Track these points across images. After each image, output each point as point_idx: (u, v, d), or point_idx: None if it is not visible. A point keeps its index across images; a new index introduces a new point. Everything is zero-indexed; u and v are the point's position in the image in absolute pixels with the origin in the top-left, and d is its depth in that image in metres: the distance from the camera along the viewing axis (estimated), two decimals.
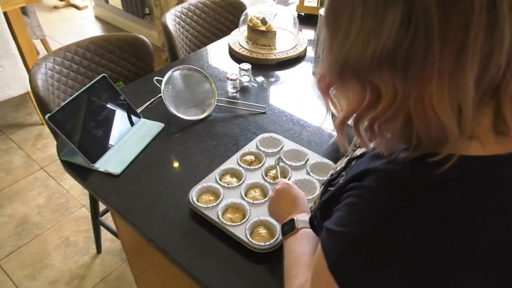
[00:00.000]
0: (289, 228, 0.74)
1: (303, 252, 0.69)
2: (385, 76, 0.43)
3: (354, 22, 0.42)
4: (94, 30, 3.86)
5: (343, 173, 0.64)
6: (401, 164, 0.47)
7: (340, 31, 0.44)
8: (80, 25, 3.88)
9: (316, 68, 1.22)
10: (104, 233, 1.90)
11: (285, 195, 0.82)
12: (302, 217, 0.75)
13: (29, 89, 2.44)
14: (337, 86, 0.50)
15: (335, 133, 1.17)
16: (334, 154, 1.11)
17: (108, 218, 1.91)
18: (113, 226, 1.67)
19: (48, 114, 1.01)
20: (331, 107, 0.55)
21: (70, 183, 2.23)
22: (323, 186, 0.67)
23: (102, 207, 1.73)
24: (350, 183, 0.52)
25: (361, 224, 0.47)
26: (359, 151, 0.64)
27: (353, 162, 0.63)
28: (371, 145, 0.50)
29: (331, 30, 0.47)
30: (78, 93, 1.09)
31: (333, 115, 1.07)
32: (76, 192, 2.18)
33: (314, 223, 0.66)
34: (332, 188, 0.60)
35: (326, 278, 0.49)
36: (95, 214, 1.68)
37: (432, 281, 0.43)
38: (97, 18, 4.01)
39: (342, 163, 0.68)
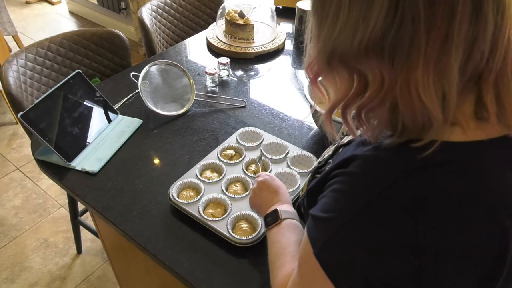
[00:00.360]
0: (272, 218, 0.74)
1: (288, 242, 0.69)
2: (372, 64, 0.43)
3: (342, 9, 0.43)
4: (69, 25, 3.76)
5: (330, 160, 0.64)
6: (385, 150, 0.48)
7: (328, 19, 0.45)
8: (54, 21, 3.78)
9: (303, 57, 1.23)
10: (84, 233, 1.87)
11: (267, 186, 0.82)
12: (285, 208, 0.75)
13: (1, 87, 2.36)
14: (325, 75, 0.50)
15: (315, 126, 1.17)
16: (315, 146, 1.11)
17: (88, 218, 1.88)
18: (93, 226, 1.64)
19: (21, 113, 0.98)
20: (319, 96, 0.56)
21: (47, 183, 2.18)
22: (310, 174, 0.68)
23: (81, 206, 1.70)
24: (335, 170, 0.53)
25: (345, 210, 0.48)
26: (346, 139, 0.65)
27: (340, 150, 0.64)
28: (358, 133, 0.51)
29: (318, 18, 0.47)
30: (52, 90, 1.06)
31: (315, 111, 1.08)
32: (54, 192, 2.13)
33: (302, 211, 0.67)
34: (318, 176, 0.61)
35: (312, 265, 0.49)
36: (74, 214, 1.65)
37: (419, 264, 0.44)
38: (72, 13, 3.90)
39: (329, 151, 0.68)
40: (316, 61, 0.49)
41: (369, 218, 0.46)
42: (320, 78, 0.51)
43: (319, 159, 0.70)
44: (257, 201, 0.83)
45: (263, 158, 1.03)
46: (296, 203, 0.74)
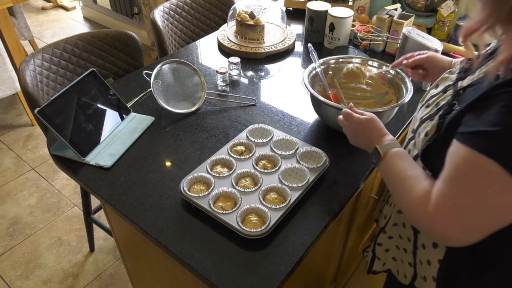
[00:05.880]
0: (376, 156, 0.81)
1: (402, 168, 0.75)
2: None
3: None
4: (83, 31, 3.81)
5: (455, 102, 0.71)
6: None
7: None
8: (69, 26, 3.86)
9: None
10: (97, 231, 1.90)
11: (361, 130, 0.89)
12: (384, 141, 0.82)
13: (18, 90, 2.42)
14: (499, 32, 0.60)
15: (323, 123, 1.18)
16: (324, 143, 1.12)
17: (101, 216, 1.91)
18: (105, 224, 1.67)
19: (37, 108, 1.01)
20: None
21: (61, 183, 2.22)
22: (437, 119, 0.73)
23: (94, 204, 1.73)
24: (481, 98, 0.62)
25: None
26: (464, 82, 0.72)
27: (461, 92, 0.71)
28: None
29: None
30: (67, 87, 1.09)
31: (318, 104, 1.09)
32: (68, 192, 2.17)
33: (430, 154, 0.73)
34: (448, 117, 0.69)
35: (485, 169, 0.58)
36: (87, 212, 1.68)
37: None
38: (86, 18, 3.99)
39: (442, 97, 0.76)
40: (494, 19, 0.59)
41: None
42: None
43: (432, 107, 0.77)
44: (357, 143, 0.91)
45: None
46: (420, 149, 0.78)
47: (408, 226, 0.89)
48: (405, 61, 1.07)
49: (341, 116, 0.94)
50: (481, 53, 0.72)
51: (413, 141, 0.84)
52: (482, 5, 0.60)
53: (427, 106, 0.80)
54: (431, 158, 0.73)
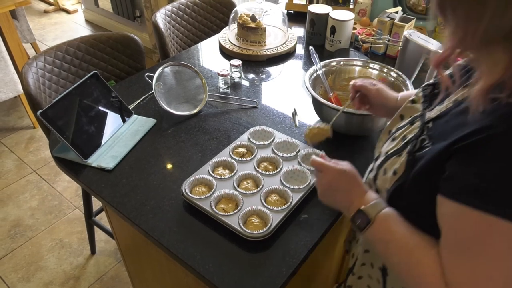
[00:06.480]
0: (362, 220, 0.67)
1: (404, 236, 0.62)
2: None
3: None
4: (85, 33, 3.82)
5: (424, 137, 0.63)
6: None
7: (488, 3, 0.48)
8: (71, 29, 3.88)
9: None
10: (98, 234, 1.90)
11: (335, 187, 0.75)
12: (369, 201, 0.68)
13: (20, 92, 2.43)
14: (472, 56, 0.54)
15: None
16: (325, 145, 1.12)
17: (102, 219, 1.91)
18: (107, 226, 1.67)
19: (40, 111, 1.01)
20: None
21: (63, 185, 2.23)
22: (406, 155, 0.64)
23: (95, 207, 1.73)
24: (464, 141, 0.53)
25: None
26: (432, 113, 0.66)
27: (430, 125, 0.64)
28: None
29: (472, 6, 0.50)
30: (69, 89, 1.10)
31: (320, 105, 1.09)
32: (69, 194, 2.17)
33: (399, 195, 0.65)
34: (419, 153, 0.62)
35: (502, 232, 0.49)
36: (89, 214, 1.68)
37: None
38: (88, 21, 4.00)
39: (409, 130, 0.69)
40: (466, 43, 0.52)
41: None
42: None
43: (398, 141, 0.69)
44: (331, 203, 0.77)
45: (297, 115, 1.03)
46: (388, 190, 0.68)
47: (376, 267, 0.79)
48: (352, 82, 0.98)
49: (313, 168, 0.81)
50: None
51: (374, 175, 0.73)
52: (452, 30, 0.54)
53: (393, 140, 0.72)
54: (401, 199, 0.65)
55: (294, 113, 1.03)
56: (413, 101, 0.76)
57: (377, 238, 0.66)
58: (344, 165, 0.76)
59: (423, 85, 0.77)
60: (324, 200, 0.78)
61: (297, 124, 0.98)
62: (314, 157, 0.80)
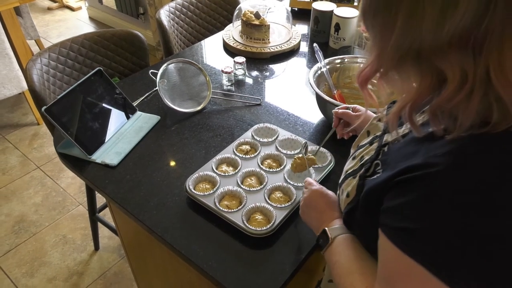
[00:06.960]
0: (323, 240, 0.70)
1: (348, 259, 0.63)
2: (451, 58, 0.42)
3: (421, 3, 0.41)
4: (88, 31, 3.83)
5: (378, 162, 0.61)
6: (479, 140, 0.45)
7: (399, 15, 0.44)
8: (74, 26, 3.88)
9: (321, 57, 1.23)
10: (102, 230, 1.91)
11: (314, 205, 0.77)
12: (334, 225, 0.70)
13: (24, 89, 2.44)
14: (387, 77, 0.49)
15: (328, 122, 1.18)
16: (329, 142, 1.12)
17: (105, 215, 1.92)
18: (110, 222, 1.68)
19: (45, 107, 1.02)
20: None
21: (66, 181, 2.23)
22: (357, 179, 0.63)
23: (99, 203, 1.74)
24: (404, 174, 0.49)
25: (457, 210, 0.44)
26: (388, 137, 0.62)
27: (386, 148, 0.61)
28: (421, 131, 0.50)
29: (385, 17, 0.46)
30: (74, 86, 1.10)
31: (324, 104, 1.09)
32: (73, 191, 2.18)
33: (349, 218, 0.64)
34: (369, 178, 0.59)
35: (419, 275, 0.46)
36: (93, 210, 1.68)
37: None
38: (91, 19, 4.01)
39: (367, 151, 0.66)
40: (383, 62, 0.49)
41: (485, 211, 0.43)
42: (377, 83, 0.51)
43: (356, 162, 0.66)
44: (307, 219, 0.79)
45: (308, 152, 1.01)
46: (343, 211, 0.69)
47: None
48: (334, 110, 0.97)
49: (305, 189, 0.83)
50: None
51: (337, 193, 0.73)
52: (371, 45, 0.50)
53: (353, 159, 0.70)
54: (353, 222, 0.65)
55: (304, 146, 1.01)
56: (379, 119, 0.74)
57: (329, 259, 0.68)
58: (329, 191, 0.78)
59: (390, 102, 0.70)
60: (302, 216, 0.81)
61: (305, 156, 0.96)
62: (307, 178, 0.85)
